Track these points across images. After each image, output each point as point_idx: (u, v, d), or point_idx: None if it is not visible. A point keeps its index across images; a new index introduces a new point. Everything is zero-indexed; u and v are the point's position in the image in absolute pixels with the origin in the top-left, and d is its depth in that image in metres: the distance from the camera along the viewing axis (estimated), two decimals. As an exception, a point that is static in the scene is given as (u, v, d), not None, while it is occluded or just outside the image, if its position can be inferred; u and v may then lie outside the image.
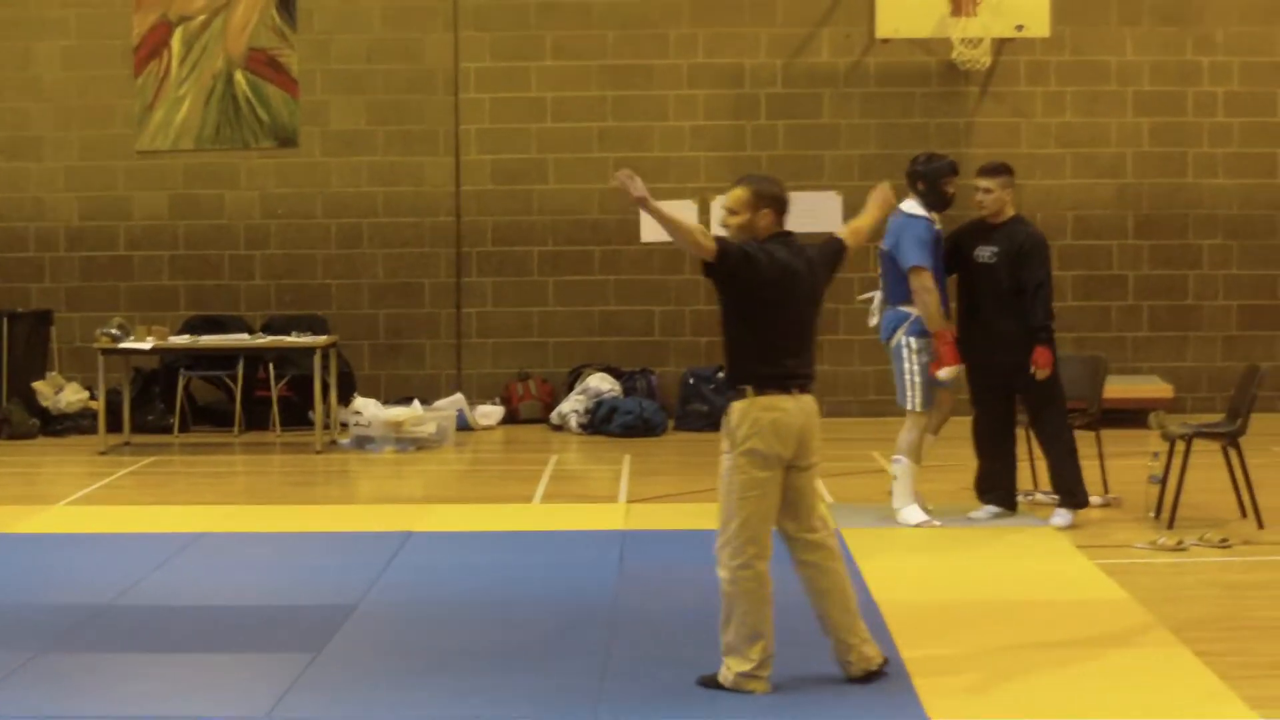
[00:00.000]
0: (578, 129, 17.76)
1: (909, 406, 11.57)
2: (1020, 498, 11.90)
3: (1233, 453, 11.50)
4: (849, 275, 16.68)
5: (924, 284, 11.32)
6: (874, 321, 11.84)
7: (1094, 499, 11.93)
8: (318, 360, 15.84)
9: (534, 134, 17.82)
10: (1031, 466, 12.45)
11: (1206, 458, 11.82)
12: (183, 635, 8.84)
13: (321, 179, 17.92)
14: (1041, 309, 11.31)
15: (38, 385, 17.04)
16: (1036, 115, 17.66)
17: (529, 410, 17.59)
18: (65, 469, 15.17)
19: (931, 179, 11.52)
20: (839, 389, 17.64)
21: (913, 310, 11.43)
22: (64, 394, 17.05)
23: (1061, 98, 17.65)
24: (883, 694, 7.59)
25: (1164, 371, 17.52)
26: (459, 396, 17.10)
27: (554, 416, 17.19)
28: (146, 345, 15.90)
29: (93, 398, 16.64)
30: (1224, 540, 10.83)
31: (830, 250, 8.11)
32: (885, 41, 17.17)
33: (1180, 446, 11.46)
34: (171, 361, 17.10)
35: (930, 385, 11.49)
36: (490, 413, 17.35)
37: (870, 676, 7.74)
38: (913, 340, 11.45)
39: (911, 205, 11.52)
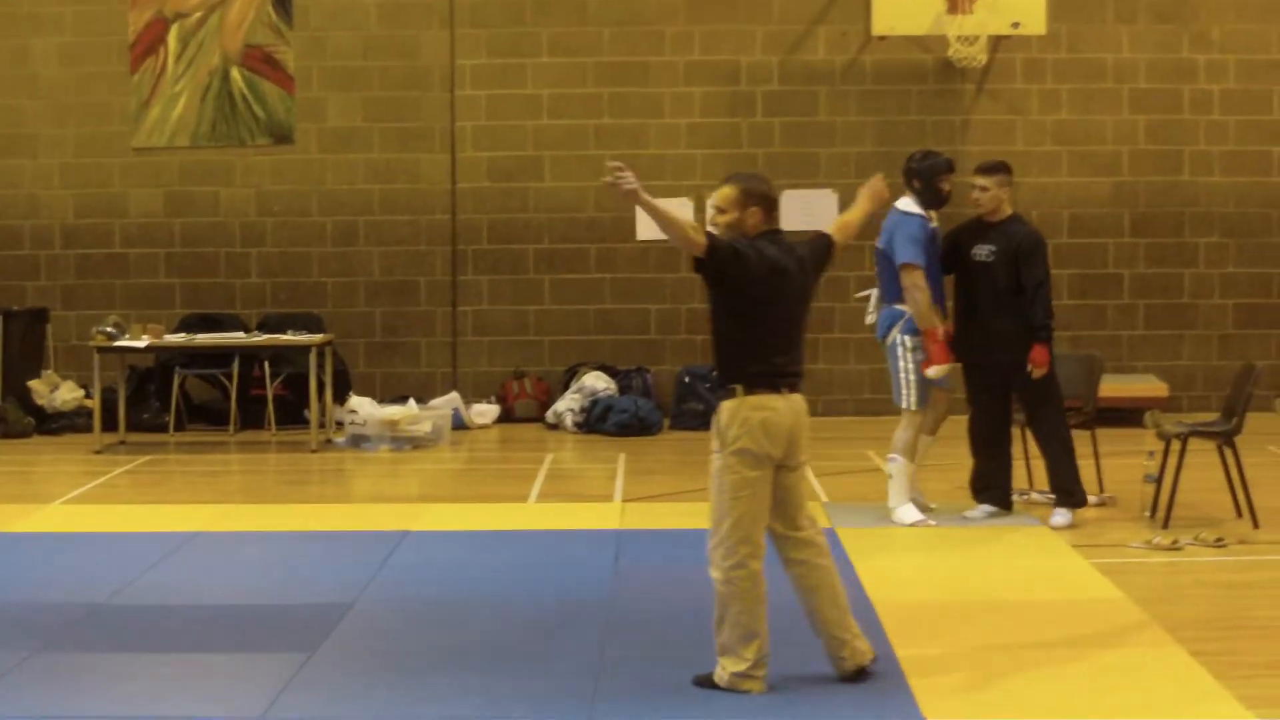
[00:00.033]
0: (574, 126, 17.75)
1: (904, 405, 11.58)
2: (1016, 497, 11.89)
3: (1228, 452, 11.48)
4: (845, 273, 16.88)
5: (914, 281, 11.32)
6: (871, 319, 11.85)
7: (1090, 498, 11.92)
8: (313, 359, 15.83)
9: (530, 131, 17.81)
10: (1027, 466, 12.45)
11: (1202, 457, 11.82)
12: (177, 634, 8.84)
13: (317, 176, 17.90)
14: (1041, 308, 11.30)
15: (33, 384, 17.03)
16: (1032, 113, 17.65)
17: (524, 409, 17.58)
18: (60, 468, 15.15)
19: (927, 176, 11.52)
20: (834, 388, 17.65)
21: (908, 308, 11.43)
22: (59, 392, 17.04)
23: (1057, 95, 17.64)
24: (878, 693, 7.59)
25: (1160, 370, 17.52)
26: (454, 395, 17.09)
27: (549, 415, 17.18)
28: (142, 343, 15.88)
29: (88, 396, 16.63)
30: (1219, 540, 10.83)
31: (819, 247, 8.12)
32: (881, 39, 17.15)
33: (1176, 445, 11.46)
34: (167, 360, 17.08)
35: (925, 384, 11.49)
36: (485, 411, 17.34)
37: (862, 672, 7.75)
38: (907, 338, 11.45)
39: (907, 203, 11.53)
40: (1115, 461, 12.83)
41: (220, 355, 16.85)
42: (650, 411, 16.77)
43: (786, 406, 7.68)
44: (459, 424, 16.70)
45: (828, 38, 17.70)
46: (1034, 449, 12.15)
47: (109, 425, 15.97)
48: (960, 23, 16.74)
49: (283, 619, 9.14)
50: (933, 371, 11.37)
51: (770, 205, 7.82)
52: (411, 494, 13.81)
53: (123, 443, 16.00)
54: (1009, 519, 11.61)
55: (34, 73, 17.90)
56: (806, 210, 16.76)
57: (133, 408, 16.68)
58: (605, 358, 17.70)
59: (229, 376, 17.04)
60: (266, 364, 17.00)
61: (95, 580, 9.99)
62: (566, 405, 17.01)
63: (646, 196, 7.49)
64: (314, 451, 15.58)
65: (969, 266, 11.53)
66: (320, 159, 17.89)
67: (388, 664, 8.17)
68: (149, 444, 16.13)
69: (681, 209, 15.30)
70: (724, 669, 7.60)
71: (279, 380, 17.07)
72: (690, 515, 11.33)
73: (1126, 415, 15.18)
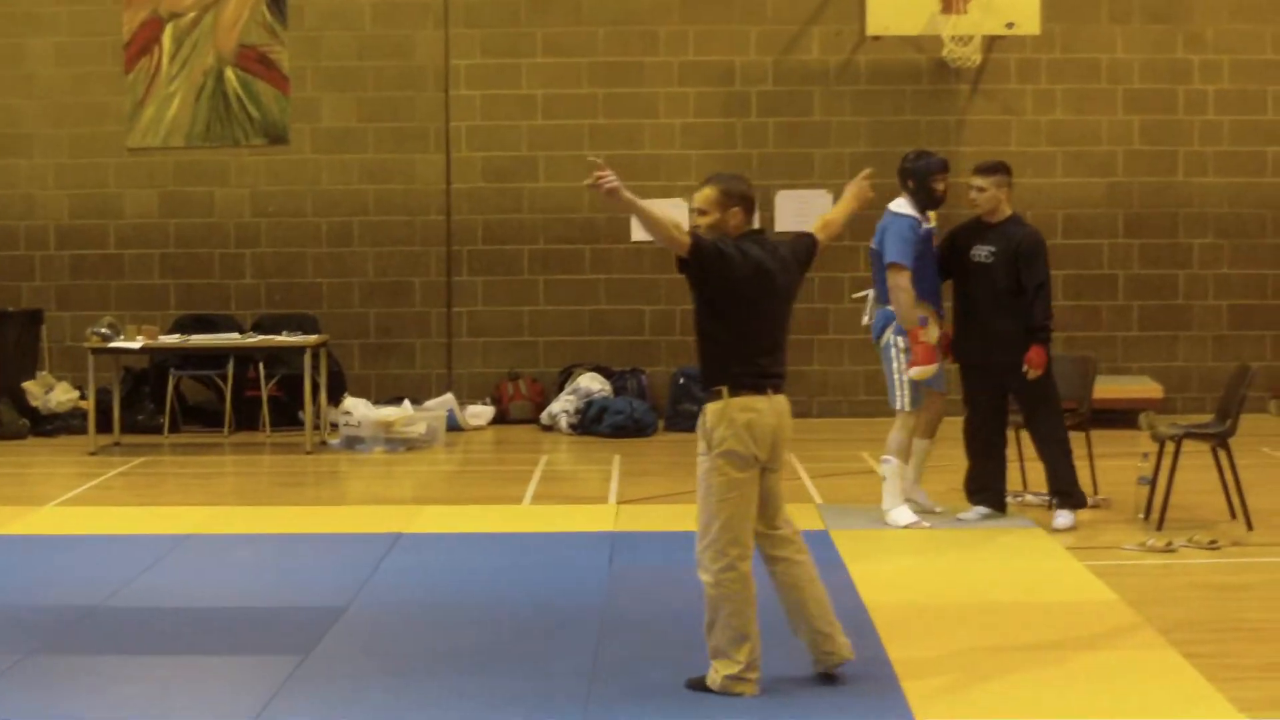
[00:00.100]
0: (568, 126, 17.75)
1: (897, 406, 11.59)
2: (1010, 499, 11.89)
3: (1222, 454, 11.48)
4: (839, 275, 16.91)
5: (898, 281, 11.33)
6: (868, 321, 11.86)
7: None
8: (308, 360, 15.83)
9: (524, 131, 17.81)
10: (1021, 467, 12.45)
11: (1196, 458, 11.82)
12: (171, 637, 8.85)
13: (312, 176, 17.90)
14: (1041, 309, 11.30)
15: (28, 385, 17.02)
16: (1027, 113, 17.66)
17: (519, 410, 17.58)
18: (55, 469, 15.14)
19: (921, 177, 11.52)
20: (829, 389, 17.67)
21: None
22: (54, 394, 17.03)
23: (1052, 95, 17.66)
24: (871, 695, 7.60)
25: (1154, 371, 17.53)
26: (449, 396, 17.09)
27: (544, 417, 17.18)
28: (136, 344, 15.87)
29: (83, 397, 16.62)
30: (1213, 542, 10.84)
31: (802, 247, 8.11)
32: (876, 39, 17.16)
33: (1170, 447, 11.45)
34: (161, 361, 17.07)
35: (918, 385, 11.49)
36: (480, 413, 17.34)
37: (837, 670, 7.77)
38: (900, 340, 11.46)
39: (900, 204, 11.54)
40: (1109, 463, 12.84)
41: (215, 356, 16.85)
42: (645, 413, 16.77)
43: (770, 408, 7.68)
44: (454, 425, 16.71)
45: (822, 38, 17.70)
46: (1028, 451, 12.16)
47: (104, 427, 15.96)
48: (954, 23, 16.73)
49: (277, 621, 9.14)
50: (914, 372, 11.36)
51: (750, 205, 7.83)
52: (406, 496, 13.80)
53: (117, 444, 15.99)
54: (1003, 521, 11.61)
55: (29, 72, 17.90)
56: (801, 210, 16.78)
57: (127, 409, 16.68)
58: (600, 359, 17.71)
59: (224, 378, 17.03)
60: (261, 365, 16.99)
61: (89, 582, 9.99)
62: (561, 406, 17.01)
63: (629, 195, 7.49)
64: (309, 453, 15.58)
65: (968, 267, 11.53)
66: (315, 159, 17.89)
67: (382, 666, 8.17)
68: (144, 445, 16.13)
69: (676, 210, 15.28)
70: (717, 672, 7.60)
71: (274, 381, 17.07)
72: (685, 517, 11.25)
73: (1121, 417, 15.20)
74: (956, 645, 8.44)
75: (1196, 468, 11.89)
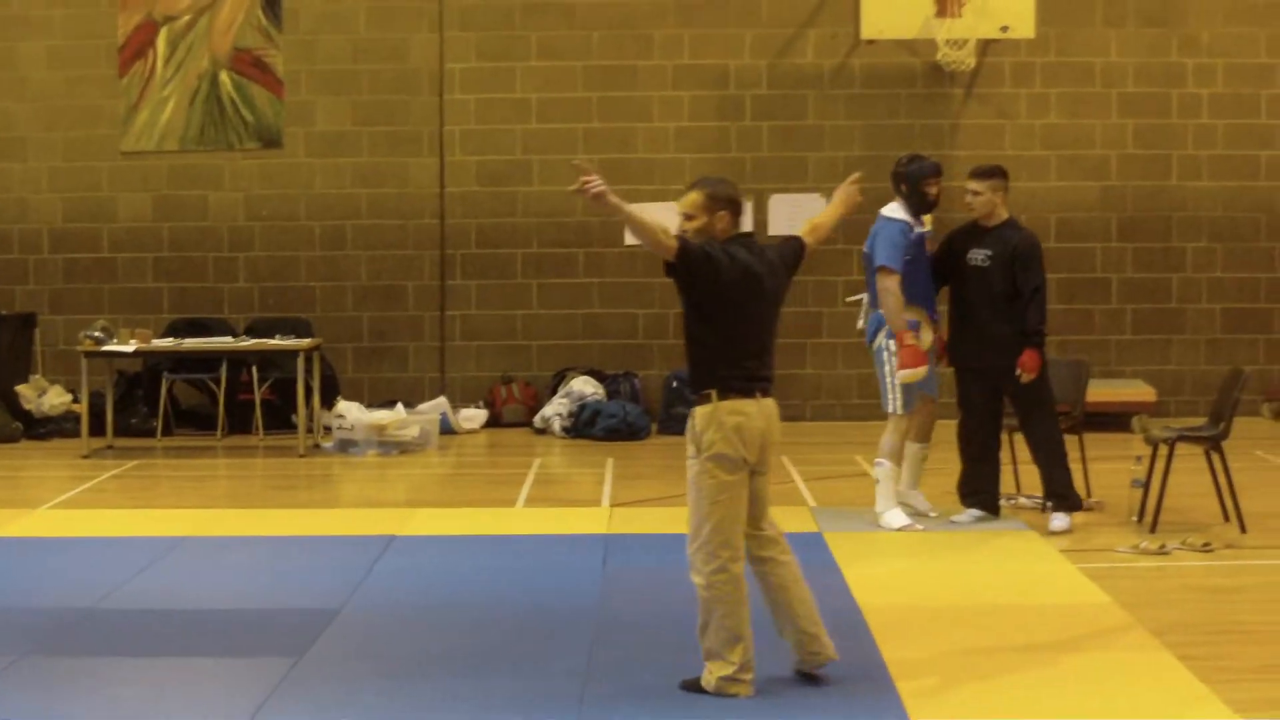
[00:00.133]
0: (562, 130, 17.74)
1: (889, 409, 11.60)
2: (1003, 502, 11.90)
3: (1215, 457, 11.49)
4: (833, 279, 16.93)
5: (886, 285, 11.36)
6: (862, 325, 11.88)
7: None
8: (301, 363, 15.82)
9: (519, 135, 17.82)
10: (1015, 470, 12.46)
11: (1189, 461, 11.82)
12: (165, 639, 8.84)
13: (306, 180, 17.90)
14: (1036, 313, 11.32)
15: (21, 388, 17.01)
16: (1021, 117, 17.67)
17: (512, 413, 17.57)
18: (48, 472, 15.13)
19: (913, 181, 11.53)
20: (822, 392, 17.67)
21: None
22: (47, 397, 17.02)
23: (1046, 99, 17.66)
24: (865, 697, 7.60)
25: (1147, 375, 17.54)
26: (442, 400, 17.09)
27: (537, 420, 17.17)
28: (129, 348, 15.86)
29: (76, 401, 16.60)
30: (1206, 544, 10.84)
31: (790, 250, 8.11)
32: (870, 43, 17.16)
33: (1163, 450, 11.46)
34: (155, 364, 17.07)
35: (910, 388, 11.49)
36: (474, 416, 17.34)
37: (821, 670, 7.79)
38: (892, 343, 11.46)
39: (892, 208, 11.56)
40: (1103, 466, 12.84)
41: (208, 360, 16.84)
42: (638, 416, 16.77)
43: (759, 411, 7.68)
44: (447, 429, 16.70)
45: (816, 41, 17.71)
46: (1021, 454, 12.17)
47: (97, 430, 15.95)
48: (949, 26, 16.74)
49: (270, 624, 9.14)
50: (902, 375, 11.36)
51: (738, 209, 7.83)
52: (399, 499, 13.81)
53: (110, 447, 15.98)
54: (996, 524, 11.61)
55: (22, 76, 17.89)
56: (794, 214, 16.77)
57: (120, 412, 16.67)
58: (593, 362, 17.71)
59: (217, 381, 17.03)
60: (254, 369, 16.98)
61: (82, 585, 9.98)
62: (555, 410, 17.01)
63: (615, 199, 7.50)
64: (301, 456, 15.58)
65: (964, 271, 11.53)
66: (309, 163, 17.89)
67: (375, 669, 8.17)
68: (137, 449, 16.12)
69: (669, 214, 15.24)
70: (711, 674, 7.60)
71: (267, 385, 17.06)
72: (678, 519, 11.15)
73: (1114, 420, 15.18)
74: (950, 647, 8.45)
75: (1190, 471, 11.89)
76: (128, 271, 17.97)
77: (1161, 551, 10.71)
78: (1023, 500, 12.31)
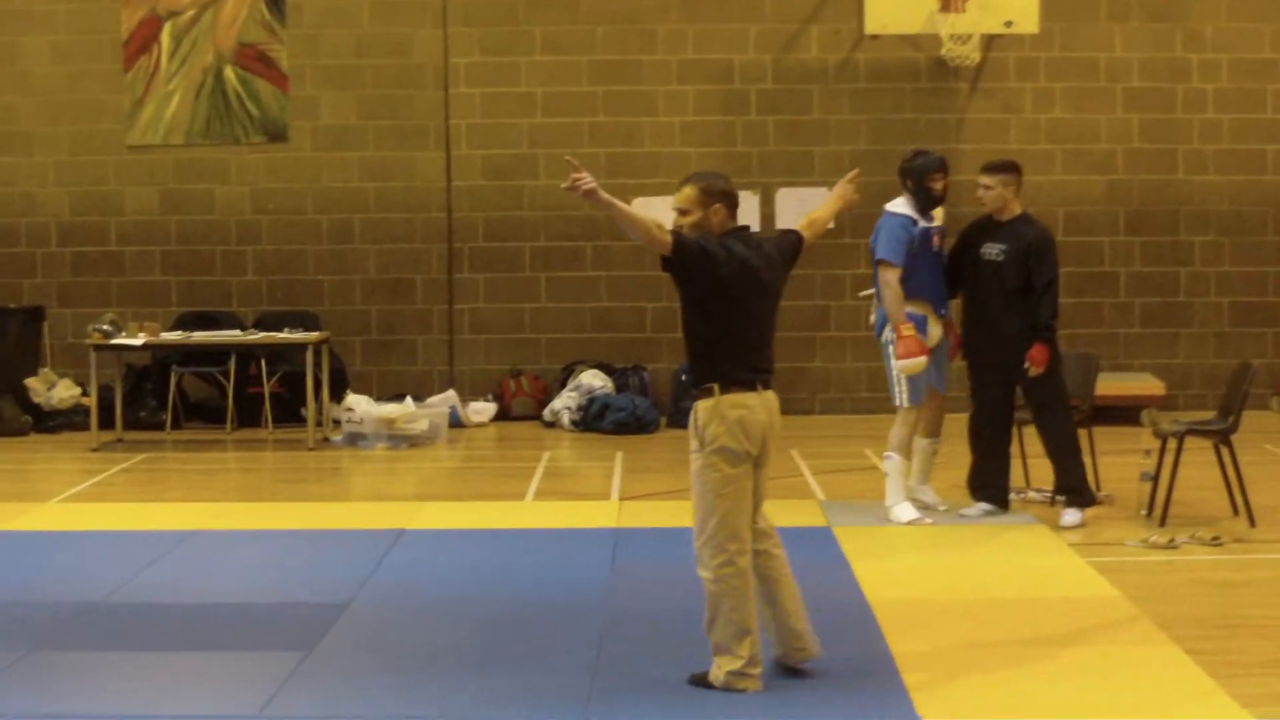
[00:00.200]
0: (568, 124, 17.74)
1: (897, 403, 11.61)
2: (1012, 495, 11.90)
3: (1225, 450, 11.49)
4: (841, 272, 16.96)
5: (885, 278, 11.42)
6: (873, 319, 11.89)
7: (1088, 497, 11.95)
8: (310, 357, 15.83)
9: (524, 129, 17.81)
10: (1024, 464, 12.46)
11: (1198, 455, 11.81)
12: (174, 633, 8.85)
13: (312, 174, 17.90)
14: (1048, 307, 11.31)
15: (30, 382, 17.02)
16: (1026, 111, 17.66)
17: (521, 407, 17.57)
18: (57, 466, 15.14)
19: (918, 176, 11.54)
20: (831, 386, 17.68)
21: (907, 307, 11.45)
22: (56, 390, 17.03)
23: (1051, 94, 17.65)
24: (873, 691, 7.61)
25: (1156, 368, 17.54)
26: (451, 393, 17.09)
27: (546, 413, 17.17)
28: (138, 341, 15.88)
29: (85, 394, 16.62)
30: (1216, 538, 10.84)
31: (787, 244, 8.12)
32: (874, 37, 17.15)
33: (1172, 444, 11.45)
34: (163, 358, 17.08)
35: (917, 381, 11.50)
36: (482, 409, 17.33)
37: (805, 665, 7.80)
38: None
39: (897, 203, 11.60)
40: (1112, 460, 12.84)
41: (217, 353, 16.86)
42: (647, 410, 16.77)
43: (761, 404, 7.69)
44: (456, 422, 16.70)
45: (821, 36, 17.70)
46: (1030, 447, 12.18)
47: (106, 423, 15.96)
48: (953, 21, 16.72)
49: (279, 617, 9.15)
50: (899, 366, 11.37)
51: (733, 202, 7.82)
52: (408, 492, 13.80)
53: (120, 441, 16.00)
54: (1005, 517, 11.61)
55: (26, 70, 17.89)
56: (800, 209, 16.73)
57: (129, 406, 16.69)
58: (602, 356, 17.70)
59: (225, 374, 17.04)
60: (263, 362, 16.99)
61: (92, 579, 10.00)
62: (563, 403, 17.01)
63: (607, 196, 7.51)
64: (311, 450, 15.59)
65: (978, 265, 11.52)
66: (314, 157, 17.89)
67: (384, 662, 8.18)
68: (146, 442, 16.13)
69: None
70: (719, 668, 7.61)
71: (275, 378, 17.07)
72: (687, 513, 11.11)
73: (1123, 414, 15.17)
74: (959, 641, 8.45)
75: (1199, 464, 11.90)
76: (135, 265, 17.98)
77: (1170, 545, 10.71)
78: (1032, 494, 12.31)
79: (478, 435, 16.73)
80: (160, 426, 16.81)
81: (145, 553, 10.70)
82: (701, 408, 7.66)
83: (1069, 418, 11.63)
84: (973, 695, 7.57)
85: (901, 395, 11.55)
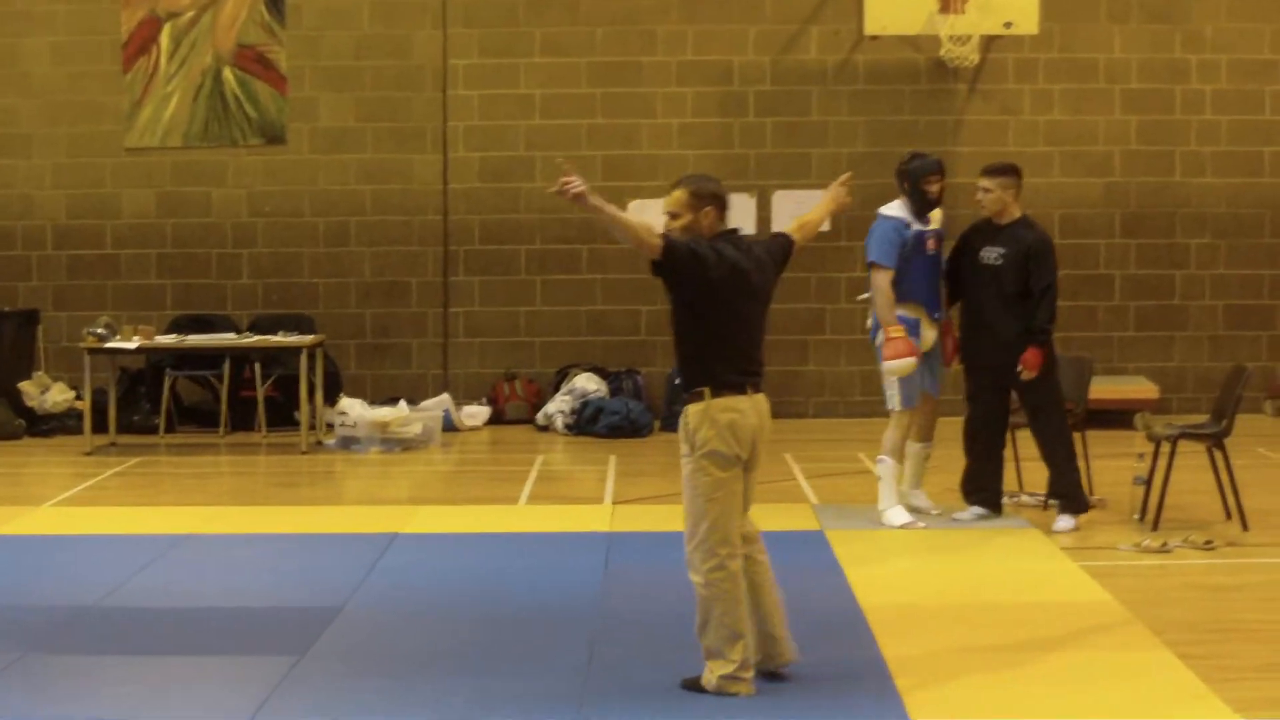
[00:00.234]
0: (566, 126, 17.73)
1: (890, 406, 11.61)
2: (1005, 499, 11.90)
3: (1218, 454, 11.49)
4: (836, 275, 16.96)
5: (876, 281, 11.43)
6: (870, 323, 11.89)
7: (1081, 501, 11.94)
8: (304, 360, 15.81)
9: (522, 131, 17.80)
10: (1017, 468, 12.46)
11: (1192, 459, 11.82)
12: (167, 637, 8.85)
13: (309, 177, 17.89)
14: (1044, 311, 11.30)
15: (24, 385, 17.01)
16: (1024, 113, 17.65)
17: (515, 410, 17.56)
18: (51, 469, 15.14)
19: (914, 179, 11.54)
20: (825, 389, 17.66)
21: (898, 310, 11.44)
22: (50, 394, 17.02)
23: (1049, 95, 17.64)
24: (866, 695, 7.62)
25: (1150, 372, 17.52)
26: (445, 397, 17.08)
27: (540, 417, 17.17)
28: (132, 345, 15.87)
29: (79, 398, 16.60)
30: (1208, 542, 10.84)
31: (778, 247, 8.12)
32: (873, 39, 17.15)
33: (1165, 448, 11.45)
34: (158, 361, 17.04)
35: (909, 384, 11.49)
36: (476, 413, 17.33)
37: (783, 670, 7.80)
38: (892, 337, 11.48)
39: (892, 207, 11.61)
40: (1105, 463, 12.84)
41: (211, 357, 16.84)
42: (641, 413, 16.77)
43: (752, 407, 7.69)
44: (449, 426, 16.70)
45: (820, 37, 17.69)
46: (1024, 451, 12.17)
47: (100, 427, 15.96)
48: (952, 22, 16.72)
49: (273, 621, 9.15)
50: (886, 367, 11.36)
51: (723, 205, 7.82)
52: (402, 496, 13.81)
53: (113, 444, 15.99)
54: (998, 521, 11.61)
55: (26, 72, 17.89)
56: (798, 211, 16.63)
57: (123, 409, 16.67)
58: (596, 359, 17.70)
59: (220, 378, 17.03)
60: (257, 365, 16.98)
61: (85, 582, 10.00)
62: (557, 407, 17.00)
63: (597, 200, 7.51)
64: (304, 453, 15.58)
65: (977, 269, 11.51)
66: (312, 159, 17.88)
67: (378, 666, 8.18)
68: (140, 446, 16.12)
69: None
70: (712, 672, 7.60)
71: (270, 382, 17.06)
72: (680, 517, 11.18)
73: (1117, 417, 15.18)
74: (951, 645, 8.45)
75: (1192, 468, 11.90)
76: (131, 268, 17.97)
77: (1163, 549, 10.71)
78: (1025, 498, 12.31)
79: (471, 439, 16.72)
80: (154, 430, 16.80)
81: (138, 556, 10.70)
82: (692, 411, 7.66)
83: (1065, 423, 11.62)
84: (965, 699, 7.57)
85: (893, 398, 11.55)
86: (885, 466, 11.56)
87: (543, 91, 17.76)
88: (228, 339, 16.51)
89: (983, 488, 11.68)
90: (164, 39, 17.75)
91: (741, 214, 16.51)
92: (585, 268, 17.75)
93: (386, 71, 17.82)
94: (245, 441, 16.58)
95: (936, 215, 11.69)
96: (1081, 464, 11.87)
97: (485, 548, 11.14)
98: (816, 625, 8.56)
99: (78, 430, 16.19)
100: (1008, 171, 11.60)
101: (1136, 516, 11.55)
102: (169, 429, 16.90)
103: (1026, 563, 10.48)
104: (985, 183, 11.54)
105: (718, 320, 7.68)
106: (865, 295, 12.12)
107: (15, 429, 16.62)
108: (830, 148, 17.55)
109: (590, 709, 7.42)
